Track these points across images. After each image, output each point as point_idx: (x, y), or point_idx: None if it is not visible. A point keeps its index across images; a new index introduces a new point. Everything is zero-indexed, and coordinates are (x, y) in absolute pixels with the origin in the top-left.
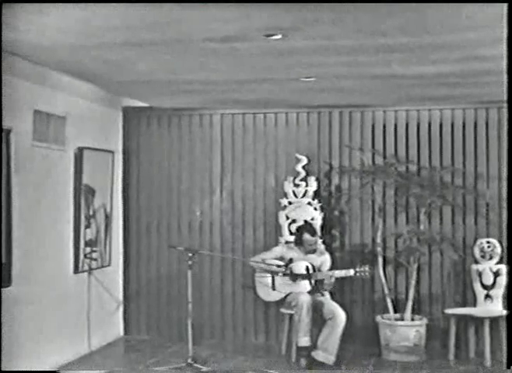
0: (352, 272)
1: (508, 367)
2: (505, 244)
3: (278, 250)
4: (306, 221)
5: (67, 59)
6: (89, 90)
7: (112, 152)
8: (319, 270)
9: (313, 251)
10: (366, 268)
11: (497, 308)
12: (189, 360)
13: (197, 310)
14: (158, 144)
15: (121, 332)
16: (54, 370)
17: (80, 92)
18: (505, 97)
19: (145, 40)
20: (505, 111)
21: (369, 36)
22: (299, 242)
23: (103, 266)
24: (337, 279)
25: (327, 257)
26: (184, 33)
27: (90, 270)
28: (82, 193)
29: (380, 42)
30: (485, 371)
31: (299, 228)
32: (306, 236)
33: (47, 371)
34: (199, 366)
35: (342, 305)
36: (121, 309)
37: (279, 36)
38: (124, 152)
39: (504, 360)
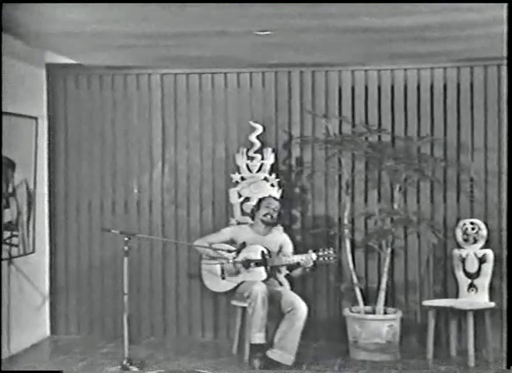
0: (313, 256)
1: (508, 368)
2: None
3: (228, 232)
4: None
5: None
6: (5, 42)
7: (35, 118)
8: (282, 254)
9: (274, 224)
10: (331, 252)
11: (482, 299)
12: (124, 362)
13: (134, 303)
14: (88, 108)
15: (48, 331)
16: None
17: None
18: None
19: None
20: (495, 69)
21: None
22: (255, 215)
23: (25, 254)
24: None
25: (286, 238)
26: None
27: (10, 258)
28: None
29: None
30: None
31: (259, 201)
32: (269, 200)
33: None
34: (136, 369)
35: (304, 296)
36: (47, 304)
37: None
38: (49, 118)
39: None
